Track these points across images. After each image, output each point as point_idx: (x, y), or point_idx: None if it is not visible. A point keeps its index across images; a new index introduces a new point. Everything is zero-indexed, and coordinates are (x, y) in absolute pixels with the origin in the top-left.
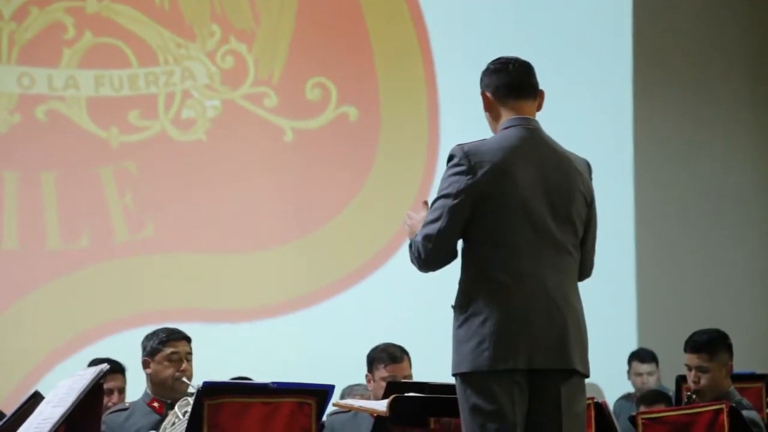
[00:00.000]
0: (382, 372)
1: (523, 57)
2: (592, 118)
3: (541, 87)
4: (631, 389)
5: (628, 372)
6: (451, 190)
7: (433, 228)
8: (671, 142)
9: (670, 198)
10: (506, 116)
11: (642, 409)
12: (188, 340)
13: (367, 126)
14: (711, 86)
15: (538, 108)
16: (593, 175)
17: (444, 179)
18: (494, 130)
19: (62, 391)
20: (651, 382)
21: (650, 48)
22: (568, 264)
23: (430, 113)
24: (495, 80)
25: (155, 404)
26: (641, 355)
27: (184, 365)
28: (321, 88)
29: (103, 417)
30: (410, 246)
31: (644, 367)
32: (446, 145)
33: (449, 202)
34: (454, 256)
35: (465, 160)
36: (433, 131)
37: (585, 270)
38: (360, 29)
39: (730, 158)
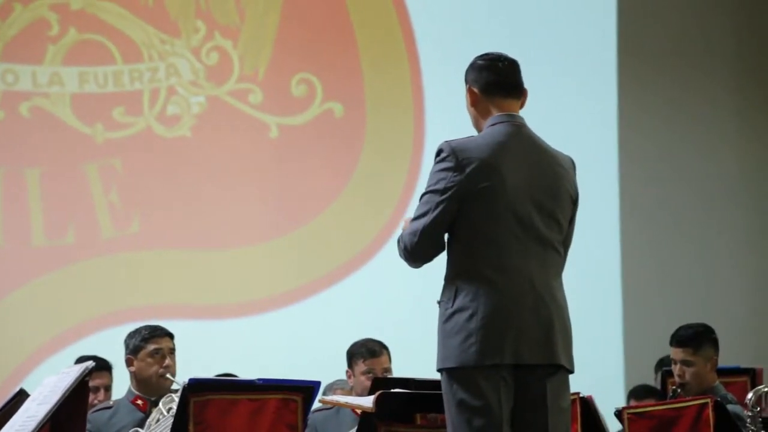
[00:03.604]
0: (361, 366)
1: (507, 51)
2: (576, 110)
3: (525, 80)
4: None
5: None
6: (439, 186)
7: (420, 223)
8: (656, 133)
9: (655, 190)
10: (493, 113)
11: (632, 403)
12: (171, 336)
13: (352, 122)
14: (695, 77)
15: (521, 106)
16: (577, 171)
17: (432, 174)
18: (478, 126)
19: (47, 388)
20: None
21: (634, 39)
22: (553, 260)
23: (416, 109)
24: (485, 77)
25: (139, 402)
26: None
27: (168, 361)
28: (306, 84)
29: (88, 415)
30: (398, 241)
31: None
32: (431, 142)
33: (437, 197)
34: (441, 250)
35: (453, 156)
36: (419, 127)
37: None
38: (345, 25)
39: (715, 149)
